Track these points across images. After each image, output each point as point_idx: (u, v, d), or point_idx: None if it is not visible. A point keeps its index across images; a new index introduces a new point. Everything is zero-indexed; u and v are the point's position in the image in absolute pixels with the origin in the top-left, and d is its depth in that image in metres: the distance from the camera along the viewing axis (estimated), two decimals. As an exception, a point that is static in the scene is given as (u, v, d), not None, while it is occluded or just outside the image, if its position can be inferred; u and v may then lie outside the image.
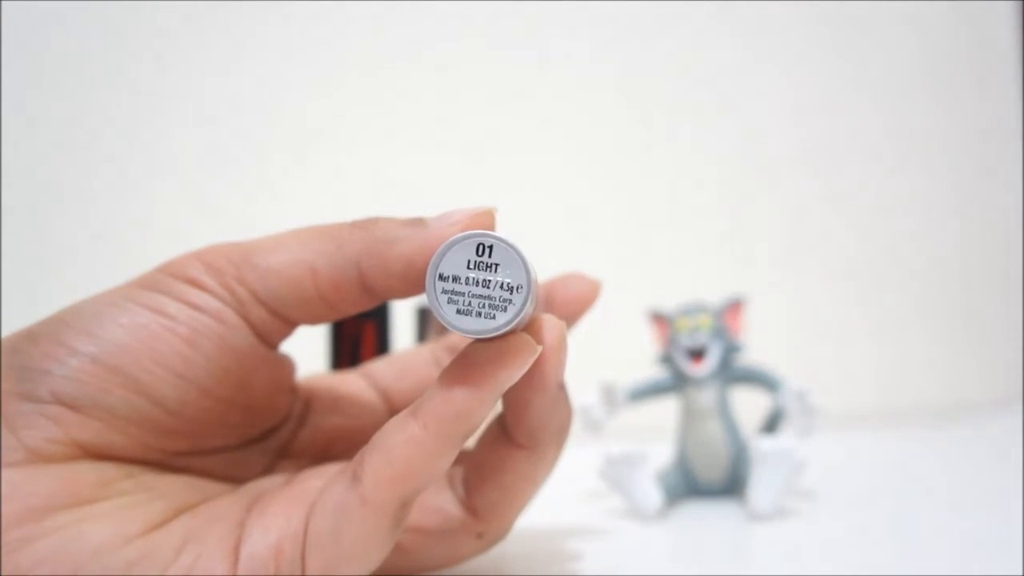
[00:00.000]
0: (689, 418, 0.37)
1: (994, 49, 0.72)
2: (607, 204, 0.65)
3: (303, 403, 0.26)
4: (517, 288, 0.18)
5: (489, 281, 0.18)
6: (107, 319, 0.21)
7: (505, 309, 0.18)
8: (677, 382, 0.38)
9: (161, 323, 0.21)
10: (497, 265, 0.18)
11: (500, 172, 0.63)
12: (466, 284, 0.18)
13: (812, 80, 0.68)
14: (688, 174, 0.66)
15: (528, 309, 0.19)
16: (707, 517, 0.35)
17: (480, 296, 0.18)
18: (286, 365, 0.25)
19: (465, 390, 0.19)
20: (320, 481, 0.22)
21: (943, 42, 0.70)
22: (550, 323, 0.21)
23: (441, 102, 0.63)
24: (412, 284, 0.22)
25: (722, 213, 0.66)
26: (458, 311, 0.18)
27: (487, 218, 0.21)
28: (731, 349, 0.37)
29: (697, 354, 0.36)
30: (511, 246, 0.19)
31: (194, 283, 0.22)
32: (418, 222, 0.21)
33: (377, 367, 0.28)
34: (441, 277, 0.19)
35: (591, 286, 0.27)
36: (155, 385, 0.21)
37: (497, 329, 0.18)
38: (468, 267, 0.19)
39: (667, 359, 0.38)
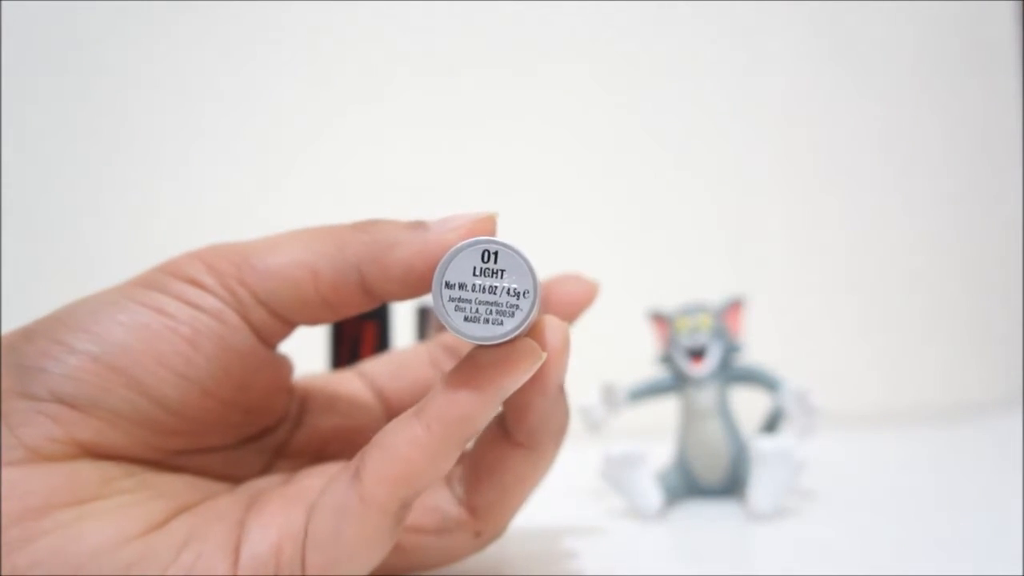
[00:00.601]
0: (689, 418, 0.37)
1: (994, 49, 0.72)
2: (607, 204, 0.65)
3: (299, 403, 0.26)
4: (524, 293, 0.18)
5: (496, 287, 0.18)
6: (106, 317, 0.21)
7: (512, 315, 0.18)
8: (677, 382, 0.38)
9: (162, 322, 0.21)
10: (503, 271, 0.18)
11: (500, 172, 0.63)
12: (472, 291, 0.18)
13: (811, 80, 0.68)
14: (689, 174, 0.66)
15: (534, 314, 0.19)
16: (707, 517, 0.35)
17: (487, 302, 0.18)
18: (284, 365, 0.25)
19: (470, 393, 0.19)
20: (318, 480, 0.22)
21: (943, 42, 0.70)
22: (553, 326, 0.21)
23: (441, 102, 0.63)
24: (412, 287, 0.22)
25: (722, 213, 0.66)
26: (465, 318, 0.18)
27: (489, 224, 0.20)
28: (731, 349, 0.37)
29: (697, 354, 0.36)
30: (517, 252, 0.19)
31: (194, 283, 0.22)
32: (419, 226, 0.21)
33: (373, 366, 0.28)
34: (447, 284, 0.19)
35: (588, 287, 0.27)
36: (156, 385, 0.21)
37: (505, 335, 0.18)
38: (474, 274, 0.18)
39: (667, 359, 0.38)
